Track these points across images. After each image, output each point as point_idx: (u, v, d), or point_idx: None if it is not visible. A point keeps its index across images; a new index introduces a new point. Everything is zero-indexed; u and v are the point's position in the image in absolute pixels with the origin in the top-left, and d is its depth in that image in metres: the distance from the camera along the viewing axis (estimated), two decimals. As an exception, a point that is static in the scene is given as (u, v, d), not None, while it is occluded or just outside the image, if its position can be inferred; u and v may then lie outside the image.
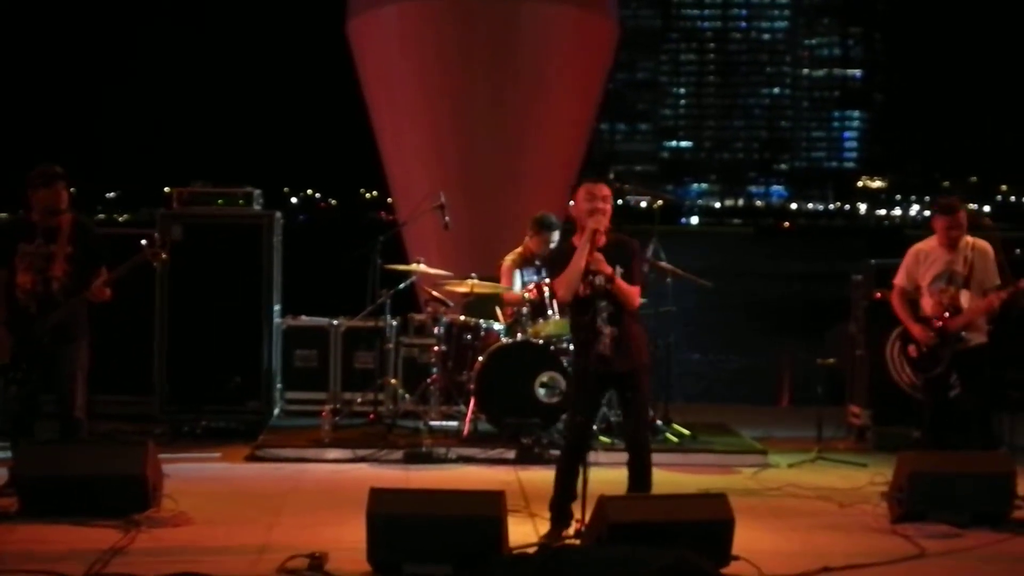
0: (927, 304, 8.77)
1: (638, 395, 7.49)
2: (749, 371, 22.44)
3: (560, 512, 7.36)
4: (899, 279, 8.97)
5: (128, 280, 8.32)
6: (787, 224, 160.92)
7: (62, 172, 8.24)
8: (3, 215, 13.74)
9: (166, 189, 11.02)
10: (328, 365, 11.25)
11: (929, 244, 8.86)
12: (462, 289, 10.52)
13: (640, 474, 7.44)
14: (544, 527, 7.38)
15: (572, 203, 7.50)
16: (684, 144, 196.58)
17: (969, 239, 8.75)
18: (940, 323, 8.63)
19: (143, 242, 8.28)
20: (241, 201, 10.94)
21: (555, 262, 7.58)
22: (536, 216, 10.58)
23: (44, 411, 8.36)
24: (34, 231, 8.18)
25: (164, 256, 8.34)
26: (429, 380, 10.54)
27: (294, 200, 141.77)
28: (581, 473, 7.12)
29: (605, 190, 7.43)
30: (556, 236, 10.30)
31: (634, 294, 7.39)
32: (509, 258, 10.60)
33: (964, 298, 8.62)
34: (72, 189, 8.40)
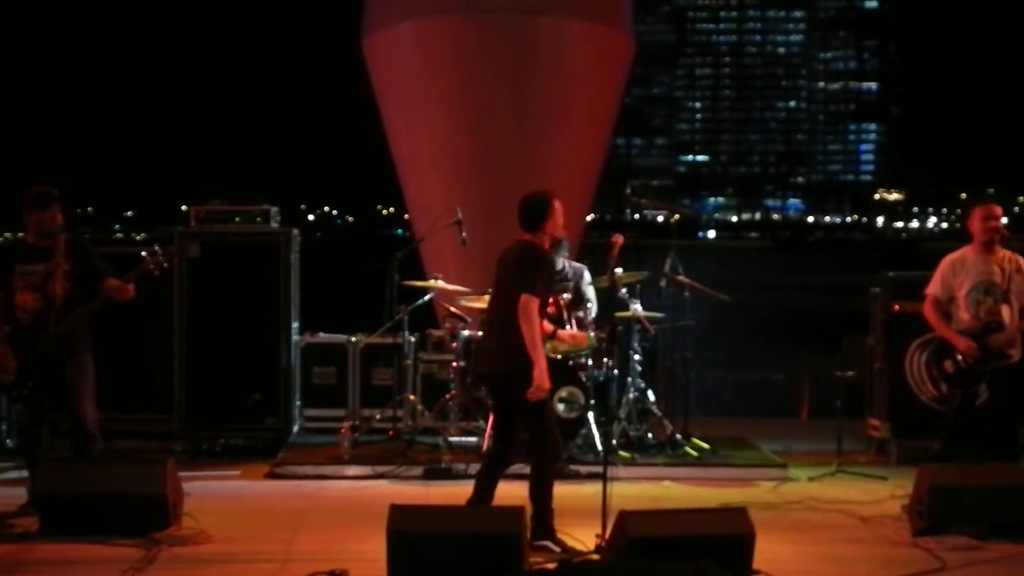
0: (964, 316, 8.49)
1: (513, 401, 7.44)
2: (768, 384, 22.40)
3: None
4: (932, 288, 8.63)
5: (146, 298, 8.34)
6: (810, 240, 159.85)
7: (58, 195, 8.30)
8: (7, 234, 13.79)
9: (184, 207, 11.05)
10: (347, 382, 11.25)
11: (964, 253, 8.60)
12: (480, 305, 10.51)
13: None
14: (566, 542, 7.33)
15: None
16: (700, 158, 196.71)
17: (1005, 251, 8.53)
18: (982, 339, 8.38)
19: (143, 253, 8.29)
20: (258, 219, 10.97)
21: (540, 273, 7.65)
22: None
23: (54, 428, 8.39)
24: (28, 252, 8.22)
25: (166, 265, 8.35)
26: (448, 396, 10.55)
27: (311, 217, 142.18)
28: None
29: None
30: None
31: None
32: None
33: (1005, 311, 8.41)
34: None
